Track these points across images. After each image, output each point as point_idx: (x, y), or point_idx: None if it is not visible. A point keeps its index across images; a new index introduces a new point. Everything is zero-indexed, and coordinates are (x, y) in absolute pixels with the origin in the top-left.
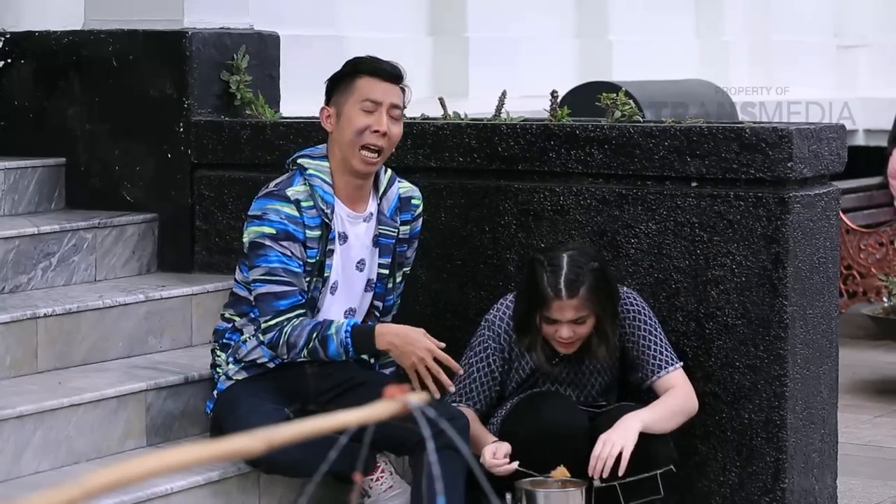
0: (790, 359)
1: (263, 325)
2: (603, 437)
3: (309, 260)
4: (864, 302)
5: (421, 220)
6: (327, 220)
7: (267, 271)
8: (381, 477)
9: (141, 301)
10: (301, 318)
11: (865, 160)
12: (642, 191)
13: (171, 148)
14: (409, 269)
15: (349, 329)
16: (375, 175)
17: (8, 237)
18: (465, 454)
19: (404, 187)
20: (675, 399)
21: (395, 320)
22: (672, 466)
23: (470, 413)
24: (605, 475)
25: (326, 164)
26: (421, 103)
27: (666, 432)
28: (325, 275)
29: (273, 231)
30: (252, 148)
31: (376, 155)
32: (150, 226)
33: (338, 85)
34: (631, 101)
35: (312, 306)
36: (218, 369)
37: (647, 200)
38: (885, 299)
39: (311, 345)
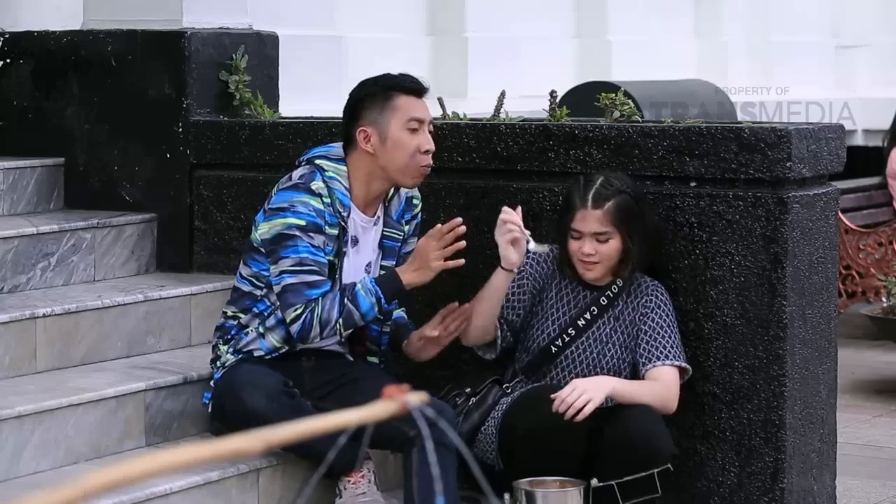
0: (789, 359)
1: (292, 315)
2: (575, 382)
3: (327, 256)
4: (863, 302)
5: (419, 219)
6: (343, 224)
7: (297, 262)
8: (360, 481)
9: (140, 301)
10: (325, 295)
11: (864, 160)
12: (641, 191)
13: (170, 148)
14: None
15: (373, 280)
16: None
17: (7, 237)
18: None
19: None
20: (656, 389)
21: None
22: (670, 465)
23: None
24: (566, 416)
25: (344, 168)
26: None
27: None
28: (336, 276)
29: (302, 222)
30: (251, 148)
31: (427, 169)
32: (149, 226)
33: (371, 103)
34: (630, 101)
35: None
36: (217, 362)
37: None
38: (883, 299)
39: (344, 311)
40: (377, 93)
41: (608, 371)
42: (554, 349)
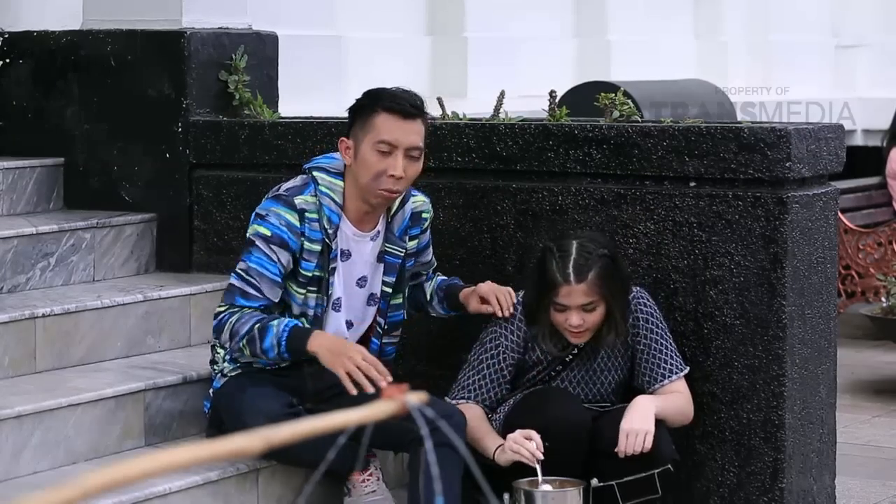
0: (788, 359)
1: (218, 308)
2: (625, 429)
3: (304, 272)
4: (863, 302)
5: (430, 225)
6: (327, 239)
7: (245, 269)
8: (368, 480)
9: (139, 301)
10: (251, 313)
11: (864, 160)
12: (641, 191)
13: (170, 148)
14: (433, 264)
15: (289, 326)
16: None
17: (6, 237)
18: (462, 452)
19: (417, 201)
20: (680, 401)
21: (409, 329)
22: (670, 466)
23: (477, 410)
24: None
25: (341, 183)
26: None
27: (668, 426)
28: (330, 292)
29: (268, 234)
30: (250, 148)
31: (394, 194)
32: (149, 226)
33: (358, 116)
34: (629, 101)
35: (318, 323)
36: (215, 366)
37: (646, 200)
38: (883, 299)
39: (251, 333)
40: (365, 106)
41: (602, 390)
42: (546, 379)
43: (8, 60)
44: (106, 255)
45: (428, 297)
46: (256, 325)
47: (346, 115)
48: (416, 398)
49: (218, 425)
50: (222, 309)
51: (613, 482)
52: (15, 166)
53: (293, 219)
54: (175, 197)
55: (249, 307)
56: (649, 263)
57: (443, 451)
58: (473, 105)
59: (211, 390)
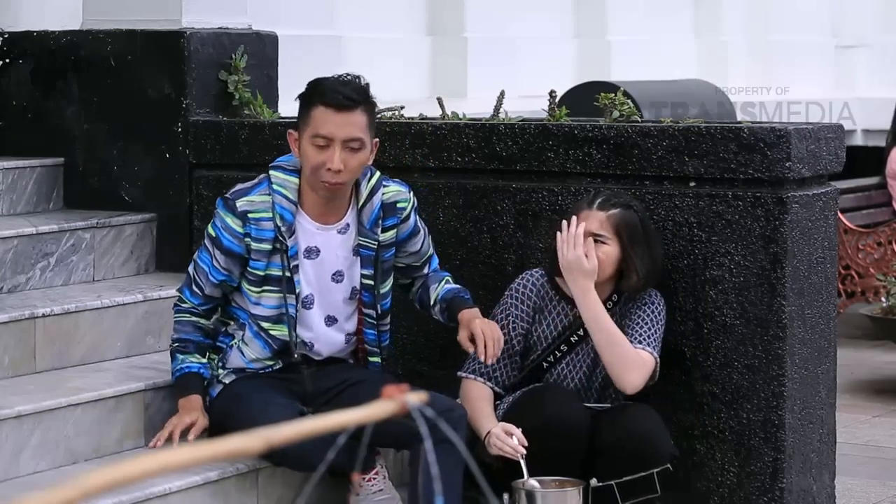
0: (788, 359)
1: (181, 286)
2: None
3: (255, 272)
4: (863, 302)
5: (412, 218)
6: (282, 238)
7: (196, 263)
8: (374, 479)
9: (139, 301)
10: (190, 319)
11: (864, 160)
12: (640, 191)
13: (170, 148)
14: (430, 253)
15: (181, 372)
16: (356, 184)
17: (6, 237)
18: (462, 451)
19: (389, 192)
20: (629, 349)
21: (394, 315)
22: (669, 466)
23: (483, 390)
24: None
25: (295, 179)
26: (419, 103)
27: (598, 346)
28: (298, 291)
29: (213, 235)
30: (250, 148)
31: (336, 186)
32: (149, 226)
33: (302, 108)
34: (629, 101)
35: (291, 323)
36: (212, 372)
37: (646, 200)
38: (883, 299)
39: (171, 346)
40: (304, 98)
41: (599, 386)
42: (545, 365)
43: (8, 60)
44: (106, 255)
45: (431, 302)
46: (175, 344)
47: None
48: (416, 398)
49: (220, 432)
50: (177, 296)
51: (613, 482)
52: (15, 166)
53: (233, 223)
54: (175, 197)
55: (192, 305)
56: (663, 266)
57: (443, 449)
58: (473, 105)
59: (208, 399)
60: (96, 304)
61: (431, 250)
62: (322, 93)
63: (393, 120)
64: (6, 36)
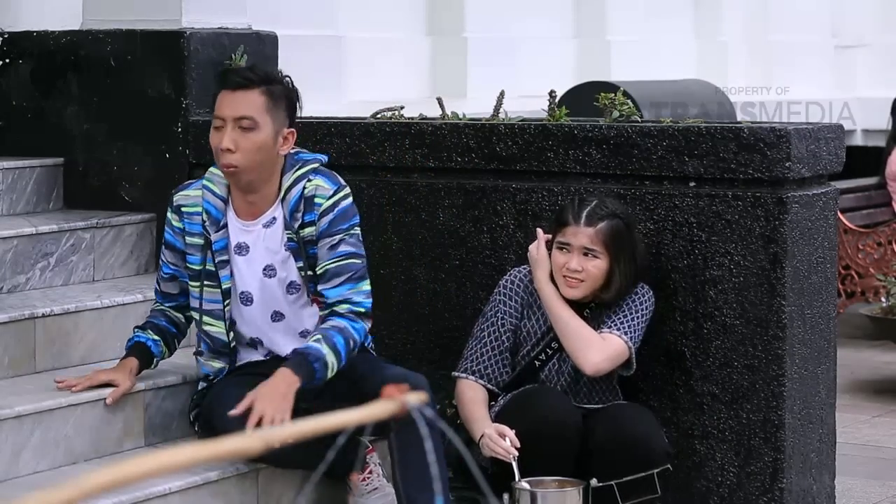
0: (788, 359)
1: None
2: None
3: (191, 266)
4: (863, 302)
5: (329, 217)
6: (206, 234)
7: (161, 259)
8: (368, 478)
9: (139, 301)
10: (158, 309)
11: (864, 160)
12: (640, 190)
13: (169, 148)
14: (352, 256)
15: (130, 341)
16: (281, 178)
17: (6, 237)
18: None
19: (311, 185)
20: (581, 328)
21: (393, 315)
22: (669, 466)
23: (478, 392)
24: None
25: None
26: (419, 103)
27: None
28: (226, 286)
29: (165, 236)
30: None
31: (232, 175)
32: (149, 226)
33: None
34: (629, 101)
35: (230, 320)
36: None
37: (646, 200)
38: (883, 299)
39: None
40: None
41: (589, 382)
42: (537, 363)
43: (8, 60)
44: (106, 255)
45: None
46: (135, 328)
47: (346, 115)
48: (415, 398)
49: (209, 429)
50: (155, 286)
51: (613, 482)
52: (15, 166)
53: (171, 217)
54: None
55: (156, 301)
56: (649, 263)
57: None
58: (473, 105)
59: (194, 396)
60: (96, 304)
61: (340, 277)
62: (222, 77)
63: (393, 120)
64: (6, 36)
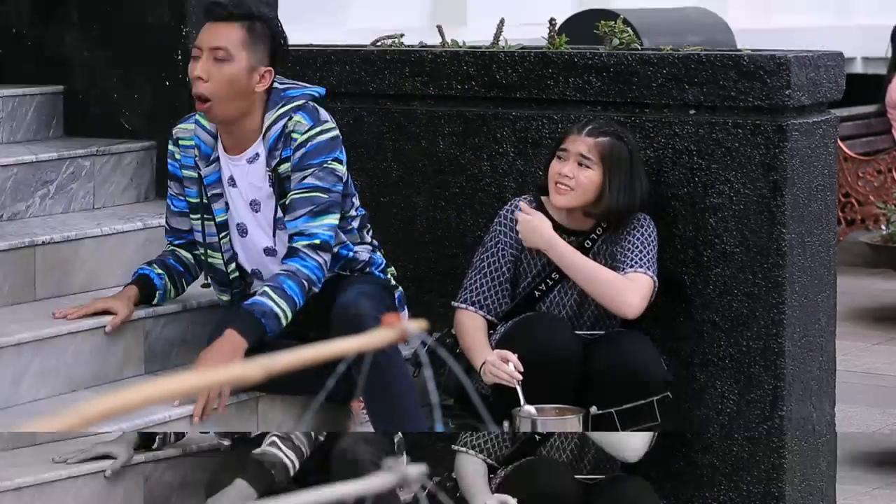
0: (788, 286)
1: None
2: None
3: (189, 199)
4: (863, 230)
5: (305, 149)
6: (196, 166)
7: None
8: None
9: (139, 229)
10: (168, 249)
11: (863, 87)
12: (640, 118)
13: (170, 76)
14: (317, 190)
15: (134, 274)
16: (264, 115)
17: (6, 165)
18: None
19: (292, 122)
20: (612, 276)
21: (393, 243)
22: (668, 394)
23: (477, 320)
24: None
25: None
26: (419, 31)
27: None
28: (220, 219)
29: (168, 169)
30: None
31: (203, 103)
32: (149, 153)
33: None
34: (629, 29)
35: (229, 252)
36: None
37: (645, 128)
38: (882, 227)
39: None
40: None
41: (597, 310)
42: (537, 294)
43: None
44: (106, 182)
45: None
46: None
47: (346, 42)
48: (415, 325)
49: None
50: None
51: (612, 410)
52: (14, 94)
53: (172, 148)
54: (175, 124)
55: (168, 243)
56: (650, 195)
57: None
58: (473, 33)
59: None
60: (96, 231)
61: (301, 209)
62: (206, 9)
63: (393, 48)
64: None
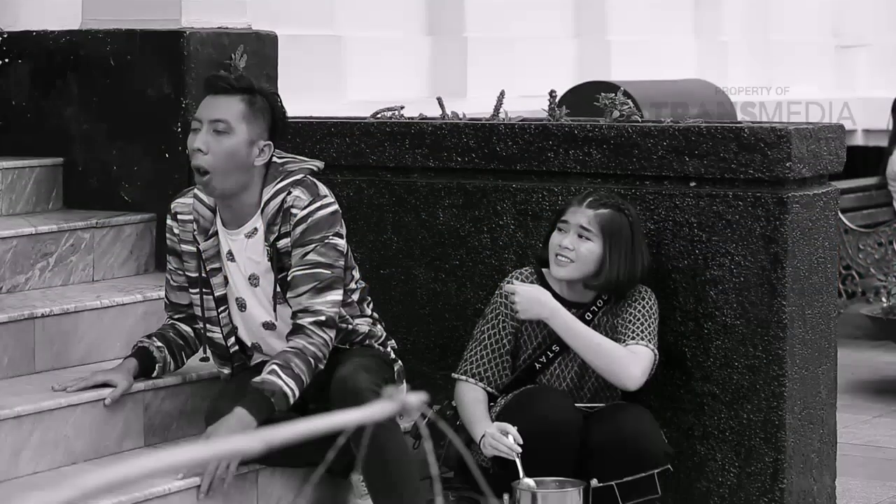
0: (789, 359)
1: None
2: (518, 291)
3: (189, 274)
4: (863, 302)
5: (305, 224)
6: (195, 239)
7: (168, 268)
8: None
9: (139, 301)
10: (168, 323)
11: (864, 160)
12: (641, 190)
13: (169, 148)
14: (319, 266)
15: (134, 346)
16: (262, 189)
17: (5, 237)
18: (463, 453)
19: (291, 197)
20: (614, 348)
21: (393, 315)
22: (670, 466)
23: (477, 392)
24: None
25: None
26: (419, 103)
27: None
28: (219, 294)
29: (167, 244)
30: None
31: (203, 176)
32: (148, 226)
33: None
34: (629, 101)
35: (229, 326)
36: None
37: (646, 200)
38: (883, 299)
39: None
40: None
41: (593, 386)
42: (538, 366)
43: (7, 60)
44: (105, 255)
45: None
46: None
47: (346, 115)
48: (415, 399)
49: None
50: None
51: (613, 482)
52: (14, 166)
53: (171, 223)
54: (174, 197)
55: (167, 317)
56: (650, 267)
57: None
58: (473, 105)
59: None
60: (95, 304)
61: (305, 286)
62: (206, 82)
63: (393, 120)
64: (6, 35)
